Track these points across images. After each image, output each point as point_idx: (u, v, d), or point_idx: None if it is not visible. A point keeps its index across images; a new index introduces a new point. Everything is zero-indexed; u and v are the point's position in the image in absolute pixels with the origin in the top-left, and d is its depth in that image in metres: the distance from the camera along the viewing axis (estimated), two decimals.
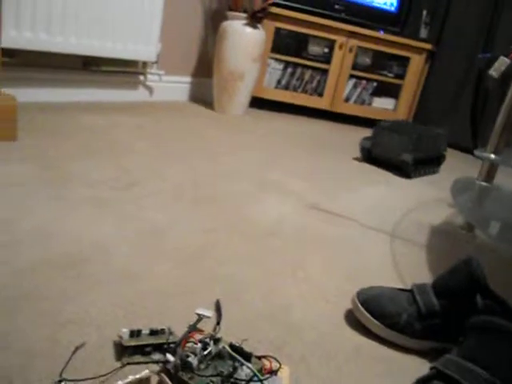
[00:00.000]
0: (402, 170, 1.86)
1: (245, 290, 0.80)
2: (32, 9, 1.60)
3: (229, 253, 0.93)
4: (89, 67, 1.94)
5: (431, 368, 0.59)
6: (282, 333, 0.71)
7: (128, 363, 0.57)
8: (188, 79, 2.49)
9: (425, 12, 2.88)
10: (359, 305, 0.76)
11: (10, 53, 1.60)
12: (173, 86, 2.40)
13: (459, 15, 2.77)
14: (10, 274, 0.72)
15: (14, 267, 0.73)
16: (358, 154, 2.09)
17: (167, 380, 0.50)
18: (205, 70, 2.54)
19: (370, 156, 1.96)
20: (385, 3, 2.82)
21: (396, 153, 1.86)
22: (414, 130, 1.89)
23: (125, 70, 2.09)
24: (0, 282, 0.69)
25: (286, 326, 0.73)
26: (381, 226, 1.26)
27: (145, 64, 2.18)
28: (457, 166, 2.26)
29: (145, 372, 0.52)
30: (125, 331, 0.59)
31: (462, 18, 2.77)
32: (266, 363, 0.58)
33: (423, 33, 2.90)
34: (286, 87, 2.73)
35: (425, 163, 1.94)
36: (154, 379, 0.55)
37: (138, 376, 0.50)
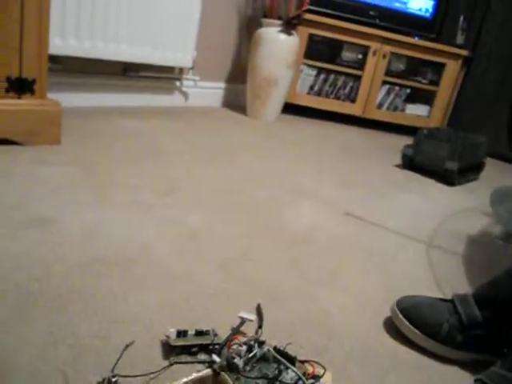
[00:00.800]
0: (445, 178, 1.85)
1: (283, 296, 0.81)
2: (76, 18, 1.67)
3: (266, 258, 0.94)
4: (128, 73, 2.00)
5: (476, 380, 0.59)
6: (322, 339, 0.71)
7: (176, 362, 0.59)
8: (222, 85, 2.52)
9: (462, 18, 2.83)
10: (399, 313, 0.76)
11: (55, 59, 1.66)
12: (207, 92, 2.44)
13: (497, 21, 2.72)
14: (62, 272, 0.75)
15: (64, 266, 0.77)
16: (390, 160, 2.08)
17: (228, 379, 0.52)
18: (239, 76, 2.57)
19: (412, 164, 1.95)
20: (420, 9, 2.80)
21: (440, 161, 1.85)
22: (457, 138, 1.87)
23: (162, 76, 2.14)
24: (53, 280, 0.72)
25: (325, 332, 0.73)
26: (417, 234, 1.25)
27: (181, 70, 2.23)
28: (494, 175, 2.21)
29: (206, 371, 0.53)
30: (172, 331, 0.61)
31: (500, 25, 2.71)
32: (309, 368, 0.59)
33: (460, 39, 2.85)
34: (319, 93, 2.74)
35: (467, 171, 1.93)
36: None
37: (200, 374, 0.52)
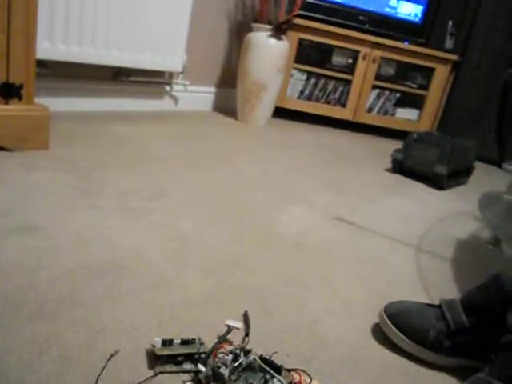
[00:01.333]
0: (435, 182, 1.87)
1: (272, 302, 0.81)
2: (64, 22, 1.66)
3: (255, 264, 0.94)
4: (118, 78, 1.99)
5: None
6: (310, 346, 0.71)
7: (160, 372, 0.58)
8: (212, 89, 2.52)
9: (450, 23, 2.86)
10: (387, 319, 0.76)
11: (43, 64, 1.65)
12: (197, 96, 2.44)
13: (486, 26, 2.75)
14: (49, 279, 0.74)
15: (51, 273, 0.76)
16: (381, 164, 2.08)
17: None
18: (229, 81, 2.57)
19: (402, 168, 1.96)
20: (409, 14, 2.82)
21: (429, 165, 1.87)
22: (446, 142, 1.89)
23: (152, 81, 2.14)
24: (39, 287, 0.71)
25: (314, 339, 0.73)
26: (407, 238, 1.25)
27: (171, 74, 2.22)
28: (482, 179, 2.23)
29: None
30: (157, 340, 0.61)
31: (489, 30, 2.74)
32: (296, 376, 0.58)
33: (448, 43, 2.88)
34: (309, 98, 2.75)
35: (456, 175, 1.94)
36: None
37: None
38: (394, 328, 0.75)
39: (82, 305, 0.69)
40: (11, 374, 0.55)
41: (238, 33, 2.51)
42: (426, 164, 1.88)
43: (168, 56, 2.06)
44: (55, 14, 1.62)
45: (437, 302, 0.79)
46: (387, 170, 2.02)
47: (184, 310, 0.73)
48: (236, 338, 0.68)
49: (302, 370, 0.59)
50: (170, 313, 0.72)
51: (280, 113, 2.68)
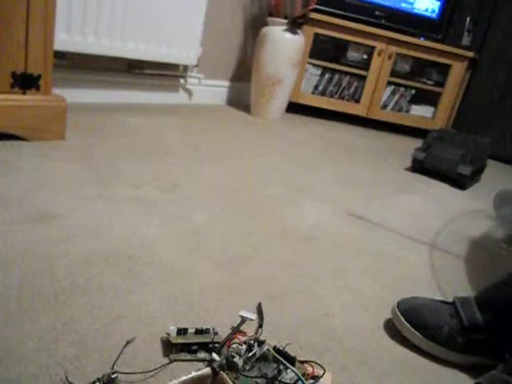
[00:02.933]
0: (457, 182, 1.86)
1: (285, 295, 0.81)
2: (82, 13, 1.67)
3: (268, 256, 0.94)
4: (133, 70, 2.00)
5: (476, 383, 0.59)
6: (322, 339, 0.71)
7: (175, 360, 0.59)
8: (226, 83, 2.52)
9: (468, 19, 2.82)
10: (400, 315, 0.76)
11: (60, 55, 1.67)
12: (211, 90, 2.44)
13: (503, 23, 2.70)
14: (65, 266, 0.75)
15: (67, 261, 0.77)
16: (394, 160, 2.07)
17: (227, 378, 0.52)
18: (243, 75, 2.57)
19: (423, 167, 1.94)
20: (426, 9, 2.79)
21: (452, 165, 1.85)
22: (467, 142, 1.88)
23: (166, 73, 2.14)
24: (56, 274, 0.72)
25: (326, 332, 0.73)
26: (420, 235, 1.24)
27: (185, 67, 2.23)
28: (497, 177, 2.21)
29: (205, 369, 0.53)
30: (172, 329, 0.62)
31: (506, 26, 2.70)
32: (309, 368, 0.59)
33: (466, 40, 2.85)
34: (323, 93, 2.73)
35: (475, 174, 1.94)
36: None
37: (199, 372, 0.52)
38: (407, 323, 0.74)
39: (98, 292, 0.70)
40: (29, 357, 0.56)
41: (254, 27, 2.51)
42: (448, 164, 1.86)
43: (183, 49, 2.06)
44: (73, 5, 1.63)
45: (450, 299, 0.79)
46: (404, 167, 2.00)
47: (198, 301, 0.74)
48: (249, 329, 0.68)
49: (315, 362, 0.60)
50: (183, 303, 0.73)
51: (294, 108, 2.67)
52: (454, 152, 1.86)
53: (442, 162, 1.88)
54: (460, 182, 1.85)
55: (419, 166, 1.94)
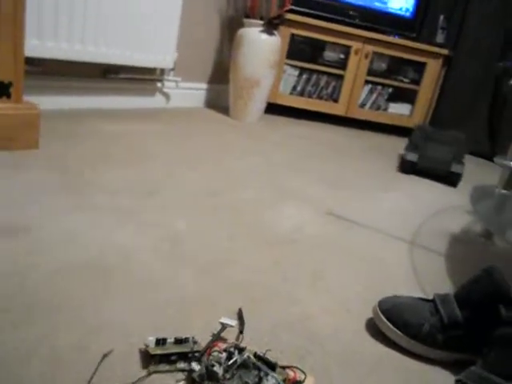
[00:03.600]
0: (450, 180, 1.90)
1: (265, 299, 0.81)
2: (54, 18, 1.63)
3: (248, 261, 0.94)
4: (108, 75, 1.97)
5: (456, 381, 0.59)
6: (303, 343, 0.71)
7: (154, 371, 0.58)
8: (204, 86, 2.51)
9: (441, 17, 2.86)
10: (381, 314, 0.76)
11: (32, 61, 1.63)
12: (189, 93, 2.42)
13: (476, 20, 2.75)
14: (36, 279, 0.73)
15: (39, 273, 0.75)
16: (374, 158, 2.09)
17: None
18: (221, 77, 2.56)
19: (415, 168, 1.94)
20: (400, 8, 2.82)
21: (446, 164, 1.89)
22: (453, 139, 1.93)
23: (142, 78, 2.12)
24: (28, 288, 0.70)
25: (307, 335, 0.73)
26: (400, 233, 1.25)
27: (162, 71, 2.21)
28: (474, 173, 2.24)
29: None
30: (151, 339, 0.60)
31: (479, 23, 2.75)
32: (291, 373, 0.58)
33: (440, 38, 2.89)
34: (302, 93, 2.74)
35: None
36: None
37: None
38: (388, 323, 0.75)
39: (73, 306, 0.69)
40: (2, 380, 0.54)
41: (230, 28, 2.50)
42: (442, 163, 1.89)
43: (158, 53, 2.04)
44: (44, 10, 1.60)
45: (431, 297, 0.79)
46: (384, 165, 2.02)
47: (177, 309, 0.73)
48: (230, 335, 0.67)
49: (296, 367, 0.59)
50: (163, 312, 0.71)
51: (273, 109, 2.67)
52: (446, 151, 1.89)
53: (437, 162, 1.91)
54: (453, 180, 1.88)
55: (411, 167, 1.94)
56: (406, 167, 1.95)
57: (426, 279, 1.02)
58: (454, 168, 1.87)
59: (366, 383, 0.65)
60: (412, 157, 1.93)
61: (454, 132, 2.06)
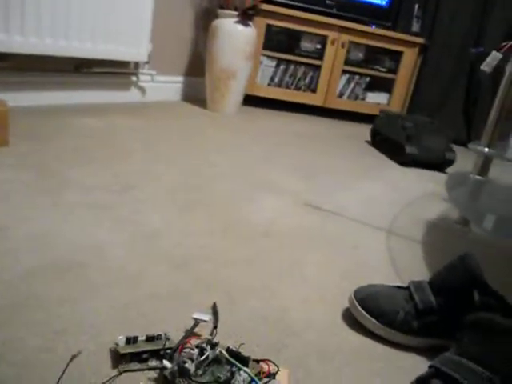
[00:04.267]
0: (443, 167, 2.01)
1: (241, 293, 0.80)
2: (21, 12, 1.59)
3: (224, 255, 0.93)
4: (81, 69, 1.92)
5: (430, 367, 0.59)
6: (280, 335, 0.70)
7: (125, 371, 0.56)
8: (180, 78, 2.48)
9: (416, 6, 2.88)
10: (356, 303, 0.76)
11: (0, 57, 1.58)
12: (165, 86, 2.39)
13: (450, 9, 2.77)
14: (7, 281, 0.71)
15: (10, 275, 0.73)
16: (352, 148, 2.09)
17: None
18: (197, 69, 2.53)
19: (415, 160, 1.98)
20: None
21: (442, 153, 1.99)
22: (436, 127, 2.03)
23: (117, 71, 2.08)
24: (4, 285, 0.68)
25: (284, 327, 0.72)
26: (377, 222, 1.26)
27: (136, 64, 2.17)
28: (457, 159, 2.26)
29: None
30: (121, 338, 0.59)
31: (453, 12, 2.77)
32: (265, 367, 0.57)
33: (415, 27, 2.90)
34: (279, 84, 2.73)
35: None
36: None
37: None
38: (363, 311, 0.75)
39: (41, 307, 0.67)
40: None
41: (205, 19, 2.47)
42: (439, 153, 1.99)
43: (132, 45, 2.00)
44: (10, 3, 1.55)
45: (407, 285, 0.79)
46: (361, 154, 2.02)
47: (150, 306, 0.71)
48: (205, 331, 0.66)
49: (269, 360, 0.58)
50: (134, 309, 0.70)
51: (251, 100, 2.66)
52: (439, 141, 1.99)
53: (434, 153, 1.99)
54: (446, 167, 2.00)
55: (412, 160, 1.98)
56: (407, 160, 1.98)
57: (403, 267, 1.02)
58: (448, 156, 1.98)
59: (343, 372, 0.65)
60: (413, 150, 1.97)
61: (428, 118, 2.12)
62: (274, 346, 0.68)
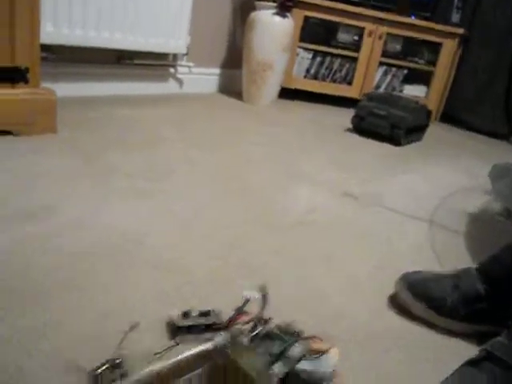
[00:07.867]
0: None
1: (279, 280, 0.81)
2: (68, 6, 1.64)
3: (261, 243, 0.94)
4: (122, 61, 1.97)
5: (481, 350, 0.59)
6: (320, 321, 0.71)
7: (182, 341, 0.59)
8: (217, 70, 2.50)
9: None
10: (404, 288, 0.76)
11: (48, 48, 1.64)
12: (202, 78, 2.42)
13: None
14: (50, 264, 0.74)
15: (54, 258, 0.76)
16: (387, 140, 2.07)
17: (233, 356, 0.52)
18: (234, 61, 2.55)
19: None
20: None
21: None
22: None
23: (156, 63, 2.12)
24: (48, 268, 0.72)
25: (324, 313, 0.73)
26: (417, 213, 1.25)
27: (175, 56, 2.21)
28: (491, 153, 2.21)
29: (209, 344, 0.53)
30: (175, 313, 0.61)
31: (495, 2, 2.68)
32: (316, 344, 0.59)
33: (455, 17, 2.82)
34: (315, 77, 2.71)
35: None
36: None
37: (203, 347, 0.52)
38: (411, 295, 0.75)
39: (87, 289, 0.69)
40: (13, 359, 0.55)
41: (242, 12, 2.48)
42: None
43: (171, 38, 2.04)
44: None
45: (454, 272, 0.79)
46: (400, 148, 2.00)
47: (190, 292, 0.73)
48: (253, 309, 0.68)
49: (318, 338, 0.60)
50: (175, 295, 0.72)
51: (286, 93, 2.65)
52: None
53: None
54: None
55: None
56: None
57: (445, 257, 1.01)
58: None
59: (384, 358, 0.66)
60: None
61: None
62: (315, 329, 0.68)
